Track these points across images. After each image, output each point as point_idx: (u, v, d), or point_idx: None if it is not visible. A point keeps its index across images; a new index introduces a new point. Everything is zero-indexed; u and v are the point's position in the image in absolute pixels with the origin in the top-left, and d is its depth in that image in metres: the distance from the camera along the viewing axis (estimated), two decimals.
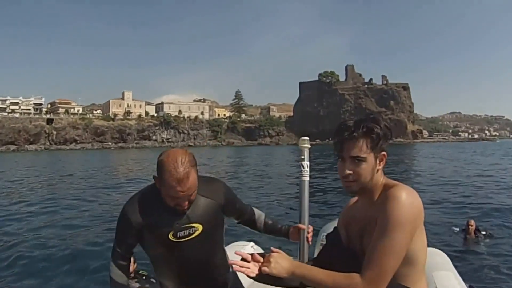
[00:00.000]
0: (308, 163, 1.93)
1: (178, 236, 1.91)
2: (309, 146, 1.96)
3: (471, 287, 2.89)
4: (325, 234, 2.83)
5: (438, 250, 3.41)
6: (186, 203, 1.83)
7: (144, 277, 4.97)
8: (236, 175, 24.33)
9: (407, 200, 1.38)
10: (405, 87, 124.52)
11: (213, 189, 2.02)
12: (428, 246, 2.87)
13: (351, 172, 1.46)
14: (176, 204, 1.82)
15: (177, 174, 1.73)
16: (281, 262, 1.47)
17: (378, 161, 1.48)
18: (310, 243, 1.99)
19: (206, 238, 1.97)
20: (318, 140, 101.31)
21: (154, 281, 4.70)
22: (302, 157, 1.96)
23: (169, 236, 1.90)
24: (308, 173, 1.93)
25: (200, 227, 1.94)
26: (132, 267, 4.60)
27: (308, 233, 1.97)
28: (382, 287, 1.38)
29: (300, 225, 1.96)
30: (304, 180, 1.94)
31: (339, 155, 1.49)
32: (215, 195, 2.01)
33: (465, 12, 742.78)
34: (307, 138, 1.99)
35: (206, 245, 1.99)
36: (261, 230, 2.28)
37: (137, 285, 4.81)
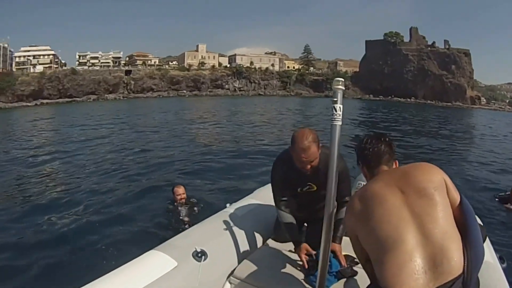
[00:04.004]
0: (341, 106, 1.77)
1: (303, 190, 2.72)
2: (343, 88, 1.79)
3: (501, 258, 2.70)
4: (362, 182, 3.21)
5: None
6: (308, 166, 2.45)
7: (193, 203, 5.79)
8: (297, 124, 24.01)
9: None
10: (466, 53, 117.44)
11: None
12: None
13: None
14: (301, 166, 2.46)
15: (302, 145, 2.36)
16: None
17: None
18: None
19: (318, 195, 2.59)
20: (381, 96, 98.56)
21: (196, 209, 5.67)
22: (335, 99, 1.76)
23: (298, 190, 2.73)
24: (341, 117, 1.78)
25: (315, 187, 2.68)
26: (183, 195, 5.75)
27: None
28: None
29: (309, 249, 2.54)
30: (336, 125, 1.77)
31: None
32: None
33: None
34: (342, 79, 1.79)
35: (317, 199, 2.64)
36: None
37: (186, 209, 5.63)
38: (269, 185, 2.89)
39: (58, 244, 5.09)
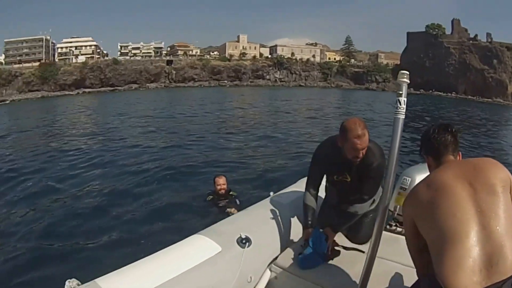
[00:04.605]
0: (405, 99, 1.75)
1: (338, 178, 2.72)
2: (408, 81, 1.76)
3: None
4: (407, 177, 3.09)
5: None
6: (360, 154, 2.38)
7: (233, 196, 5.76)
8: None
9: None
10: (509, 47, 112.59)
11: (368, 160, 2.49)
12: None
13: None
14: (354, 155, 2.40)
15: (357, 132, 2.31)
16: None
17: None
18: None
19: (352, 186, 2.67)
20: (422, 90, 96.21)
21: (238, 201, 5.62)
22: (400, 92, 1.76)
23: (334, 177, 2.75)
24: (404, 110, 1.75)
25: (349, 178, 2.67)
26: (223, 186, 5.74)
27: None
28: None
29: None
30: (399, 118, 1.75)
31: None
32: (367, 163, 2.50)
33: None
34: (407, 72, 1.76)
35: (351, 190, 2.68)
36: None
37: (224, 200, 5.66)
38: None
39: (102, 230, 5.33)
